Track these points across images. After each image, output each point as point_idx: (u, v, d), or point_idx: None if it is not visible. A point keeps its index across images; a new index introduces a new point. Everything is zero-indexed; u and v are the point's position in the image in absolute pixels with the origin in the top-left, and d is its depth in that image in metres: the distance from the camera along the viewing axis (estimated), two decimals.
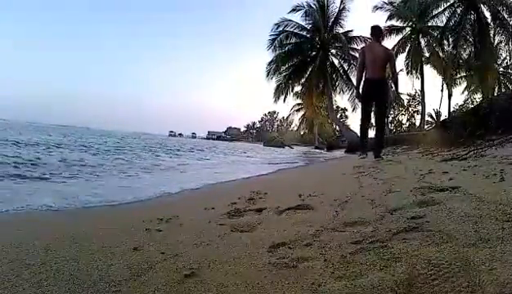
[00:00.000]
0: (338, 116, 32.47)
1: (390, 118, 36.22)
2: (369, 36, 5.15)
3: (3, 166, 4.65)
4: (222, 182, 4.58)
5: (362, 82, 4.52)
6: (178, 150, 13.82)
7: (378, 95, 4.42)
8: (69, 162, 5.87)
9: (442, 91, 22.93)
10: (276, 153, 18.21)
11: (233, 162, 10.01)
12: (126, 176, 4.74)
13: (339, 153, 15.81)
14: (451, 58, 16.93)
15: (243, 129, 78.65)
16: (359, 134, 5.17)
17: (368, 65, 4.34)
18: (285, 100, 18.16)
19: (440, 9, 16.65)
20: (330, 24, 16.86)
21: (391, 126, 37.33)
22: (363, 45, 4.53)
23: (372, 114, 4.62)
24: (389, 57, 4.59)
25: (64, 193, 2.97)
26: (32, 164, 5.16)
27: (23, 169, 4.53)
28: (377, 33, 4.65)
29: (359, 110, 5.21)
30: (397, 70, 6.36)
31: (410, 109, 40.44)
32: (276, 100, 18.00)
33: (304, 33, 17.11)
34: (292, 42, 16.97)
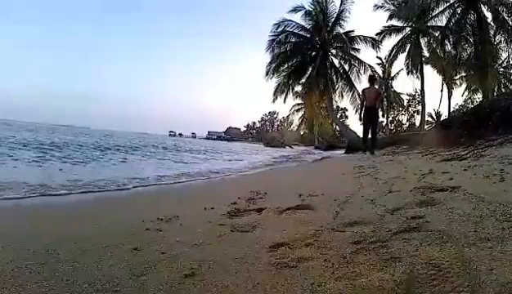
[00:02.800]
0: (338, 116, 32.45)
1: (390, 118, 36.26)
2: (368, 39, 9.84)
3: None
4: (222, 181, 4.58)
5: (364, 110, 7.55)
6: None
7: (372, 116, 7.50)
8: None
9: (442, 91, 22.96)
10: (279, 152, 18.21)
11: None
12: None
13: (339, 153, 15.81)
14: (451, 58, 16.92)
15: (243, 129, 78.60)
16: (361, 139, 8.31)
17: (367, 100, 7.39)
18: (285, 101, 18.12)
19: (440, 9, 16.66)
20: (330, 24, 16.83)
21: (391, 126, 37.34)
22: (364, 88, 8.34)
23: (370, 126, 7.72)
24: (378, 94, 7.90)
25: None
26: None
27: None
28: (371, 80, 8.01)
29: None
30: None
31: (410, 109, 40.36)
32: (274, 100, 17.99)
33: (304, 33, 17.06)
34: (292, 42, 16.92)
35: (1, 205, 2.48)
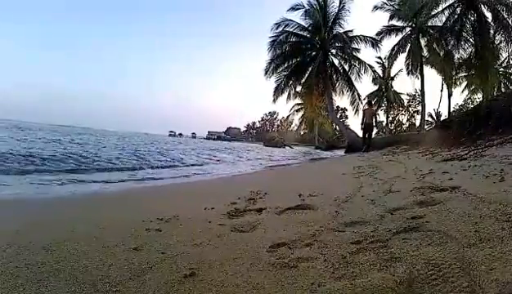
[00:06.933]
0: (338, 116, 32.44)
1: (390, 118, 36.28)
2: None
3: None
4: (222, 181, 4.58)
5: (364, 124, 11.01)
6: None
7: (369, 128, 11.14)
8: None
9: (441, 91, 22.90)
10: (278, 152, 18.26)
11: None
12: None
13: (339, 153, 15.81)
14: (451, 58, 16.89)
15: (243, 129, 78.58)
16: (361, 139, 12.15)
17: (366, 117, 10.94)
18: (289, 99, 18.12)
19: (440, 8, 16.64)
20: (329, 23, 16.80)
21: (391, 126, 37.34)
22: (364, 108, 12.54)
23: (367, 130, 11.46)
24: (374, 113, 11.85)
25: None
26: None
27: None
28: (369, 104, 14.19)
29: (360, 111, 13.61)
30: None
31: (410, 109, 40.34)
32: (274, 100, 18.01)
33: (304, 33, 17.02)
34: (292, 42, 16.90)
35: (1, 206, 2.48)
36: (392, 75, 29.50)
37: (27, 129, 21.81)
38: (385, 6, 19.27)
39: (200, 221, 1.74)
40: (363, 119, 11.20)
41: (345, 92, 17.49)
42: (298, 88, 18.35)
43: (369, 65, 17.19)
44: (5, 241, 1.38)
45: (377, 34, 18.83)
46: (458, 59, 16.77)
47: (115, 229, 1.62)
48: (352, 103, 17.53)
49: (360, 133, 12.91)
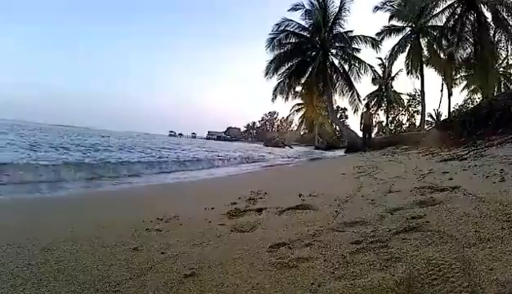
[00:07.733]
0: (338, 116, 32.45)
1: (390, 118, 36.31)
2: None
3: None
4: (222, 181, 4.58)
5: (363, 126, 12.25)
6: None
7: (368, 129, 12.43)
8: None
9: (442, 91, 22.89)
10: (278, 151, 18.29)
11: None
12: None
13: (339, 153, 15.82)
14: (451, 58, 16.90)
15: (243, 129, 78.61)
16: (361, 140, 13.06)
17: (364, 119, 12.27)
18: (287, 99, 18.12)
19: (440, 9, 16.67)
20: (329, 23, 16.81)
21: (391, 126, 37.35)
22: (362, 112, 13.78)
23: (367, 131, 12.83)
24: (371, 115, 14.77)
25: None
26: None
27: None
28: (368, 107, 15.34)
29: (360, 111, 15.68)
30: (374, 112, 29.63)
31: (410, 109, 40.29)
32: (273, 99, 18.02)
33: (304, 33, 17.03)
34: (292, 42, 16.92)
35: (1, 206, 2.48)
36: (392, 75, 29.50)
37: (34, 129, 21.66)
38: (385, 6, 19.27)
39: (200, 221, 1.74)
40: (361, 121, 12.57)
41: (345, 92, 17.48)
42: (298, 88, 18.36)
43: (369, 65, 17.20)
44: (5, 241, 1.38)
45: (377, 34, 18.85)
46: (458, 59, 16.77)
47: (115, 229, 1.62)
48: (352, 103, 17.53)
49: (360, 133, 13.64)
